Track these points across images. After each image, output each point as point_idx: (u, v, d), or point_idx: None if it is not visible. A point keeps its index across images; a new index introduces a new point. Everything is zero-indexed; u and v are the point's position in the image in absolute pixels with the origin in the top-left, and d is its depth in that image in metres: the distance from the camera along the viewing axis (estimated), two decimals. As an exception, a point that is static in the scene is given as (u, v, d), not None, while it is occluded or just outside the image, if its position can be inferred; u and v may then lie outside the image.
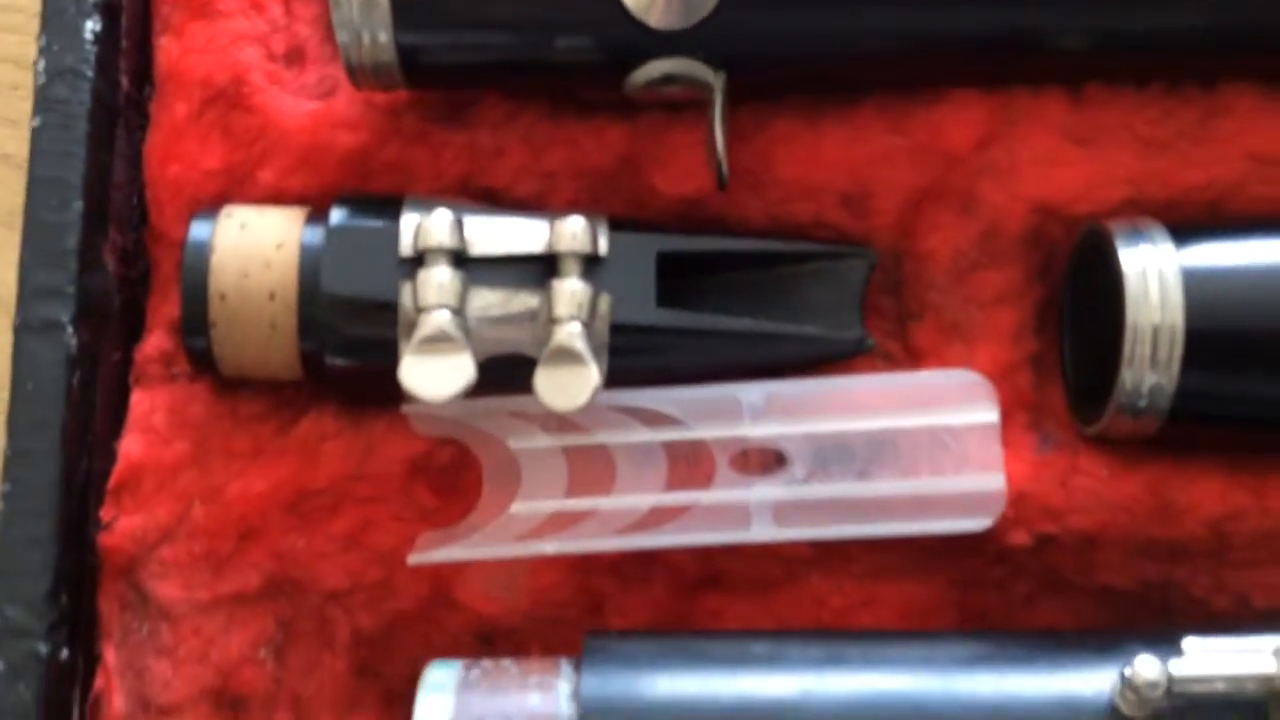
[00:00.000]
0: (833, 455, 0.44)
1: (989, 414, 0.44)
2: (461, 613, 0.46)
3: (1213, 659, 0.37)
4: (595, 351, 0.43)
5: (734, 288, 0.47)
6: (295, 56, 0.49)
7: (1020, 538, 0.45)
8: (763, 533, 0.44)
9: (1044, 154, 0.46)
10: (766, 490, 0.44)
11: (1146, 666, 0.37)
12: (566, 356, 0.42)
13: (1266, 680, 0.37)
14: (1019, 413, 0.46)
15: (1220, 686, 0.37)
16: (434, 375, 0.42)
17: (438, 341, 0.41)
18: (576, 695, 0.39)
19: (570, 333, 0.42)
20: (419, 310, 0.42)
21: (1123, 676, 0.37)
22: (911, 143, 0.47)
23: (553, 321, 0.42)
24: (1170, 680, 0.37)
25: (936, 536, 0.45)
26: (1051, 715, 0.38)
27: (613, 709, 0.39)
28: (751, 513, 0.44)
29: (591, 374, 0.42)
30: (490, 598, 0.46)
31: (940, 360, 0.46)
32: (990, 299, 0.47)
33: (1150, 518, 0.44)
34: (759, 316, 0.45)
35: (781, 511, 0.44)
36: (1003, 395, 0.45)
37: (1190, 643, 0.38)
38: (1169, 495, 0.44)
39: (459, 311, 0.42)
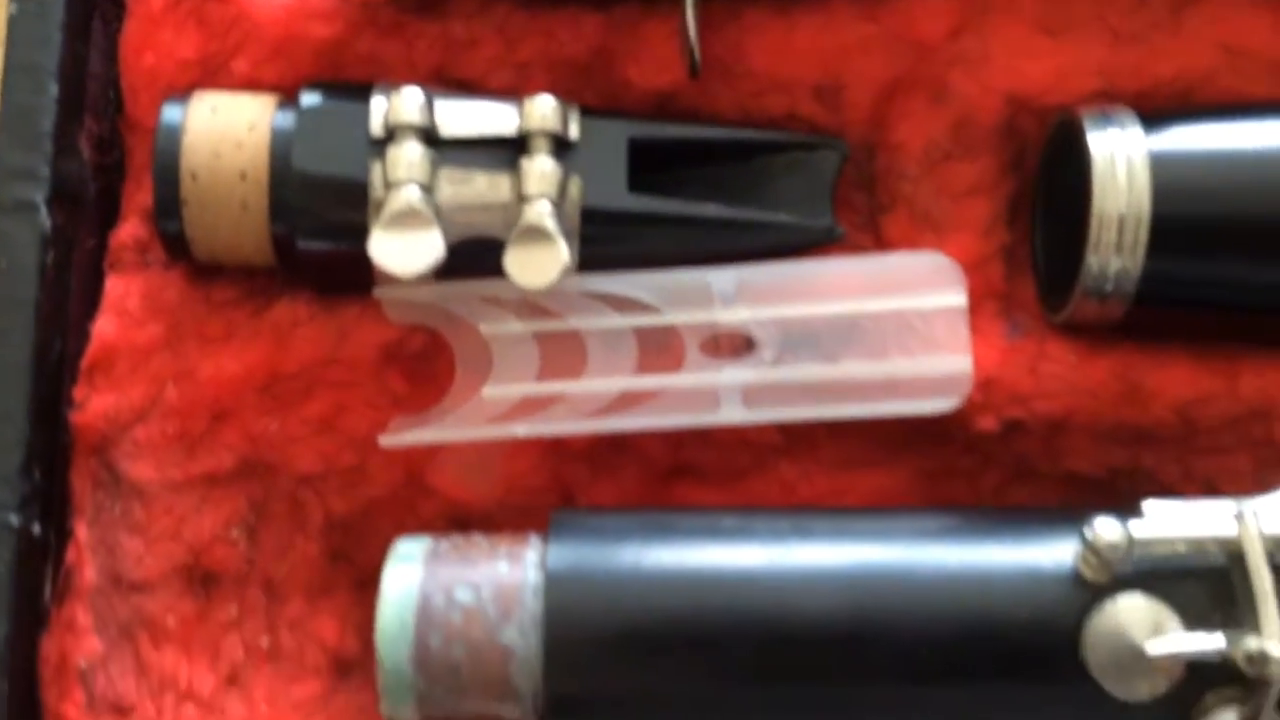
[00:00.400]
0: (801, 339, 0.44)
1: (956, 296, 0.44)
2: (434, 499, 0.46)
3: (1173, 520, 0.38)
4: (566, 234, 0.43)
5: (706, 181, 0.47)
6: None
7: (988, 423, 0.45)
8: (731, 415, 0.44)
9: (1016, 44, 0.47)
10: (735, 374, 0.44)
11: (1107, 528, 0.37)
12: (535, 234, 0.42)
13: (1227, 542, 0.37)
14: (989, 302, 0.46)
15: (1181, 548, 0.38)
16: (403, 250, 0.42)
17: (407, 217, 0.42)
18: (543, 564, 0.40)
19: (539, 211, 0.42)
20: (388, 187, 0.42)
21: (1084, 538, 0.38)
22: (884, 32, 0.47)
23: (522, 200, 0.42)
24: (1131, 542, 0.37)
25: (905, 425, 0.45)
26: (1014, 582, 0.39)
27: (579, 576, 0.39)
28: (720, 396, 0.44)
29: (560, 252, 0.42)
30: (463, 484, 0.46)
31: (912, 251, 0.47)
32: (962, 190, 0.47)
33: (1117, 402, 0.44)
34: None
35: (750, 394, 0.44)
36: (973, 285, 0.45)
37: (1151, 505, 0.38)
38: (1136, 380, 0.44)
39: (428, 189, 0.42)
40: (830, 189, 0.47)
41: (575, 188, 0.43)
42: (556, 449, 0.46)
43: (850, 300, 0.44)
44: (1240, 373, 0.44)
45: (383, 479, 0.46)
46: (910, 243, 0.47)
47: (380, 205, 0.42)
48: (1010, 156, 0.47)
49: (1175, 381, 0.44)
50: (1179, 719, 0.37)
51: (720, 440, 0.47)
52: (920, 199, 0.47)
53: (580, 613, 0.39)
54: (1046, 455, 0.46)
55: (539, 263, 0.42)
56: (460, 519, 0.47)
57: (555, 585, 0.39)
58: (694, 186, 0.47)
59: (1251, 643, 0.35)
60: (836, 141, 0.47)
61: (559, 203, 0.43)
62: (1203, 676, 0.37)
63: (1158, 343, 0.45)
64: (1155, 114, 0.44)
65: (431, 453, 0.46)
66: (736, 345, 0.45)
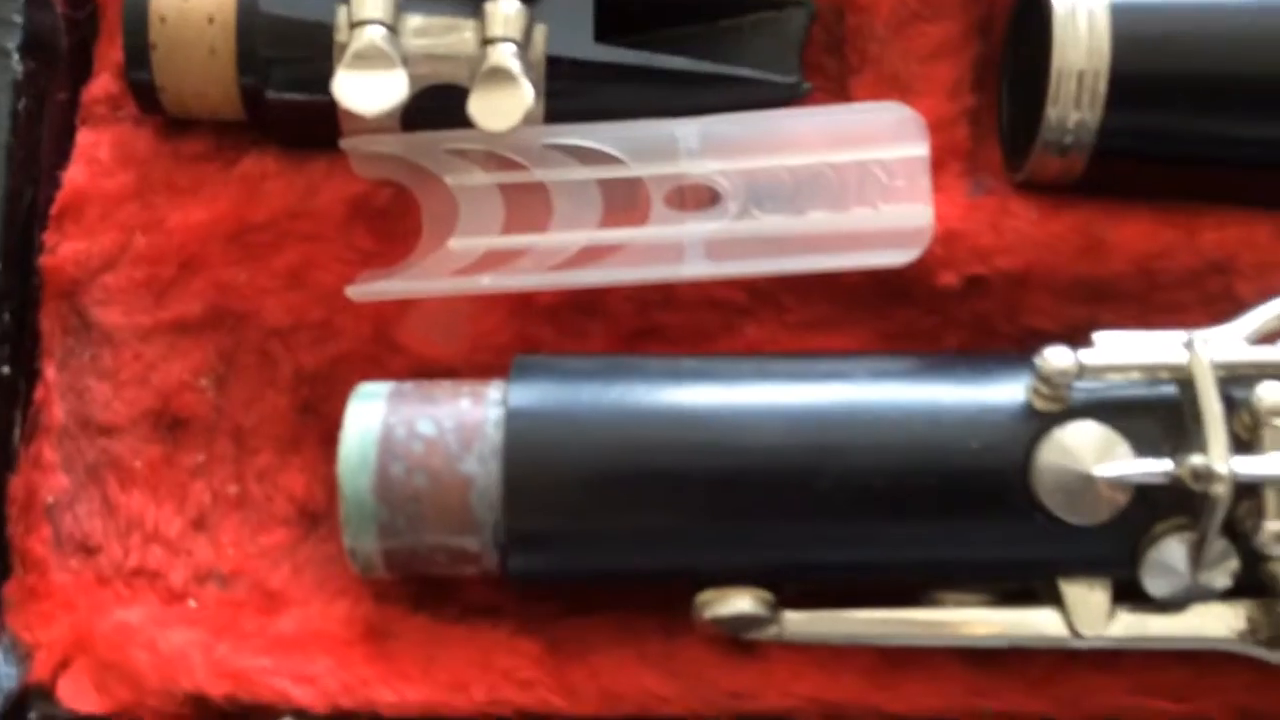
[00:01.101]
0: (766, 191, 0.44)
1: (918, 147, 0.44)
2: (402, 355, 0.47)
3: (1123, 349, 0.38)
4: (531, 82, 0.43)
5: (676, 40, 0.47)
6: None
7: (950, 279, 0.45)
8: (696, 269, 0.44)
9: (983, -93, 0.47)
10: (700, 227, 0.44)
11: (1057, 356, 0.38)
12: (499, 76, 0.42)
13: (1177, 369, 0.38)
14: (953, 161, 0.47)
15: (1133, 375, 0.38)
16: (366, 89, 0.42)
17: (370, 56, 0.42)
18: (505, 401, 0.40)
19: (503, 52, 0.42)
20: (353, 27, 0.42)
21: (1034, 368, 0.38)
22: (852, -105, 0.47)
23: (486, 43, 0.43)
24: (1080, 368, 0.38)
25: (869, 285, 0.46)
26: (966, 415, 0.39)
27: (540, 410, 0.40)
28: (685, 249, 0.44)
29: (524, 94, 0.42)
30: (431, 340, 0.47)
31: (879, 113, 0.47)
32: (928, 52, 0.47)
33: (1077, 256, 0.45)
34: (698, 61, 0.46)
35: (714, 248, 0.44)
36: (939, 145, 0.46)
37: (1102, 335, 0.39)
38: (1097, 234, 0.45)
39: (393, 29, 0.43)
40: (798, 47, 0.47)
41: (540, 34, 0.44)
42: (523, 307, 0.47)
43: (813, 152, 0.44)
44: (1199, 227, 0.44)
45: (351, 334, 0.47)
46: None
47: (345, 47, 0.43)
48: (978, 19, 0.48)
49: (1134, 235, 0.45)
50: (1129, 548, 0.38)
51: (686, 301, 0.47)
52: (888, 61, 0.47)
53: (539, 444, 0.39)
54: (1007, 314, 0.46)
55: (502, 105, 0.43)
56: (427, 375, 0.46)
57: (516, 417, 0.40)
58: (664, 46, 0.47)
59: (1197, 459, 0.36)
60: (804, 0, 0.47)
61: (523, 47, 0.43)
62: (1151, 505, 0.38)
63: (1119, 199, 0.45)
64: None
65: (400, 309, 0.47)
66: (701, 198, 0.45)
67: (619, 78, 0.45)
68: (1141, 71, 0.43)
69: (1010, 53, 0.48)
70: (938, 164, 0.46)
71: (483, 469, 0.39)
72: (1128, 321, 0.45)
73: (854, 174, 0.44)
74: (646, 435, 0.39)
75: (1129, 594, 0.39)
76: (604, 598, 0.43)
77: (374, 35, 0.42)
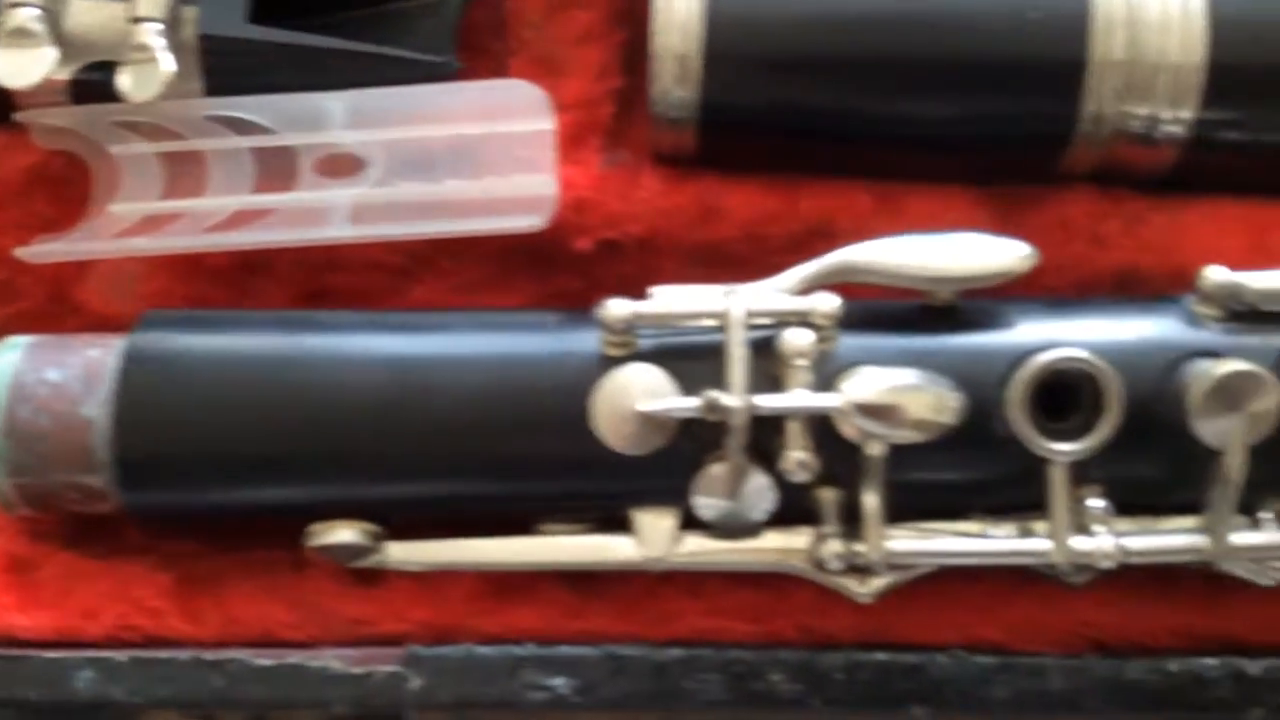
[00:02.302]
0: (406, 161, 0.48)
1: (543, 122, 0.48)
2: (81, 315, 0.50)
3: (675, 300, 0.42)
4: (184, 58, 0.47)
5: (342, 24, 0.51)
6: None
7: (584, 243, 0.49)
8: (340, 231, 0.48)
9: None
10: (344, 192, 0.48)
11: (615, 306, 0.42)
12: (144, 50, 0.46)
13: (720, 316, 0.41)
14: (593, 137, 0.50)
15: (686, 323, 0.42)
16: (17, 65, 0.46)
17: (21, 34, 0.46)
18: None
19: (148, 29, 0.46)
20: (9, 7, 0.46)
21: (597, 320, 0.42)
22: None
23: (135, 22, 0.46)
24: (635, 316, 0.41)
25: (518, 250, 0.49)
26: (545, 361, 0.43)
27: (152, 358, 0.43)
28: (329, 213, 0.48)
29: (165, 68, 0.46)
30: (107, 300, 0.50)
31: (533, 93, 0.51)
32: (577, 37, 0.51)
33: (695, 223, 0.49)
34: (355, 42, 0.50)
35: (358, 212, 0.48)
36: (582, 121, 0.50)
37: (659, 289, 0.43)
38: (712, 202, 0.49)
39: (51, 10, 0.46)
40: (452, 29, 0.51)
41: (190, 14, 0.47)
42: (194, 269, 0.50)
43: (451, 125, 0.48)
44: (801, 195, 0.48)
45: (32, 295, 0.50)
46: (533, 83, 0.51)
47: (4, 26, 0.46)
48: (621, 7, 0.51)
49: (743, 204, 0.48)
50: (683, 478, 0.42)
51: (350, 264, 0.50)
52: (541, 44, 0.51)
53: (149, 387, 0.43)
54: (644, 276, 0.49)
55: (148, 77, 0.46)
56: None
57: (130, 361, 0.43)
58: (331, 29, 0.51)
59: (714, 394, 0.40)
60: (458, -15, 0.51)
61: (170, 26, 0.47)
62: (699, 440, 0.41)
63: (736, 172, 0.49)
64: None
65: (78, 270, 0.50)
66: (349, 166, 0.49)
67: (276, 56, 0.49)
68: (736, 51, 0.46)
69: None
70: (578, 139, 0.50)
71: (101, 412, 0.43)
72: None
73: (485, 145, 0.48)
74: (252, 378, 0.43)
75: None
76: (241, 537, 0.46)
77: (26, 15, 0.46)
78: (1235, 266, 0.43)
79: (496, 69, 0.52)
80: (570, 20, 0.51)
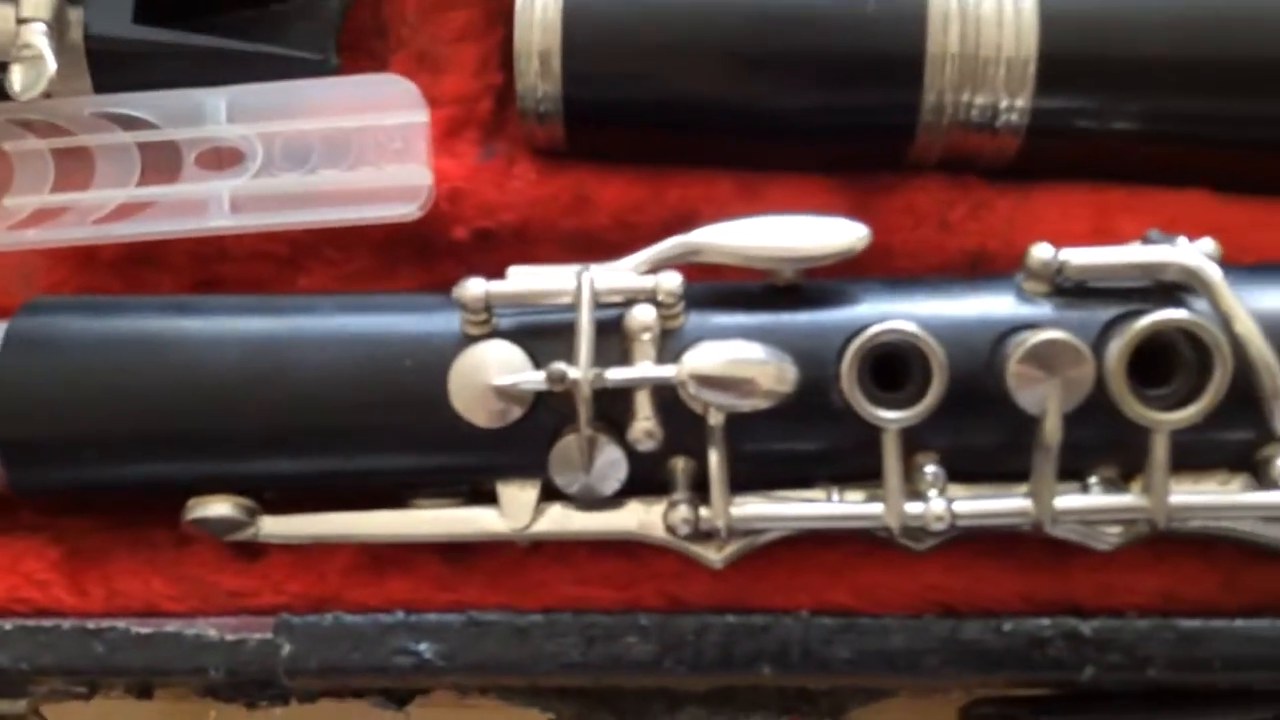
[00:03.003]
0: (285, 153, 0.50)
1: (418, 115, 0.50)
2: (-17, 307, 0.52)
3: (529, 279, 0.44)
4: (70, 57, 0.49)
5: (226, 24, 0.53)
6: None
7: (461, 233, 0.51)
8: (220, 222, 0.50)
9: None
10: (224, 184, 0.50)
11: (471, 285, 0.44)
12: (27, 50, 0.48)
13: (572, 294, 0.44)
14: (471, 130, 0.53)
15: (542, 302, 0.44)
16: (-96, 64, 0.48)
17: (-93, 34, 0.48)
18: (5, 336, 0.46)
19: (34, 29, 0.48)
20: (-103, 10, 0.48)
21: (453, 299, 0.44)
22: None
23: (20, 23, 0.48)
24: (489, 295, 0.44)
25: (401, 240, 0.52)
26: (407, 339, 0.45)
27: (30, 341, 0.45)
28: (211, 204, 0.50)
29: (45, 66, 0.48)
30: (10, 292, 0.52)
31: (413, 89, 0.53)
32: (454, 35, 0.53)
33: (568, 211, 0.51)
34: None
35: (237, 203, 0.50)
36: (459, 115, 0.52)
37: (514, 269, 0.45)
38: (584, 192, 0.51)
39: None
40: (334, 29, 0.53)
41: (76, 15, 0.49)
42: (88, 260, 0.52)
43: (327, 118, 0.50)
44: (667, 185, 0.50)
45: (-65, 287, 0.52)
46: (412, 80, 0.53)
47: (-108, 28, 0.48)
48: (500, 6, 0.54)
49: (614, 193, 0.51)
50: (541, 453, 0.44)
51: (237, 254, 0.52)
52: (419, 42, 0.54)
53: (25, 369, 0.45)
54: (521, 263, 0.52)
55: (34, 76, 0.48)
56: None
57: (7, 345, 0.45)
58: (215, 29, 0.53)
59: (559, 367, 0.42)
60: (340, -12, 0.53)
61: (54, 26, 0.48)
62: (555, 413, 0.43)
63: (608, 163, 0.51)
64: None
65: (-21, 263, 0.52)
66: (230, 159, 0.51)
67: (160, 55, 0.51)
68: (594, 47, 0.48)
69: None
70: (455, 132, 0.52)
71: (-19, 400, 0.45)
72: (613, 268, 0.52)
73: (361, 138, 0.50)
74: (127, 360, 0.45)
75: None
76: (129, 514, 0.48)
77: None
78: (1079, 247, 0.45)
79: (378, 68, 0.54)
80: (449, 19, 0.53)
